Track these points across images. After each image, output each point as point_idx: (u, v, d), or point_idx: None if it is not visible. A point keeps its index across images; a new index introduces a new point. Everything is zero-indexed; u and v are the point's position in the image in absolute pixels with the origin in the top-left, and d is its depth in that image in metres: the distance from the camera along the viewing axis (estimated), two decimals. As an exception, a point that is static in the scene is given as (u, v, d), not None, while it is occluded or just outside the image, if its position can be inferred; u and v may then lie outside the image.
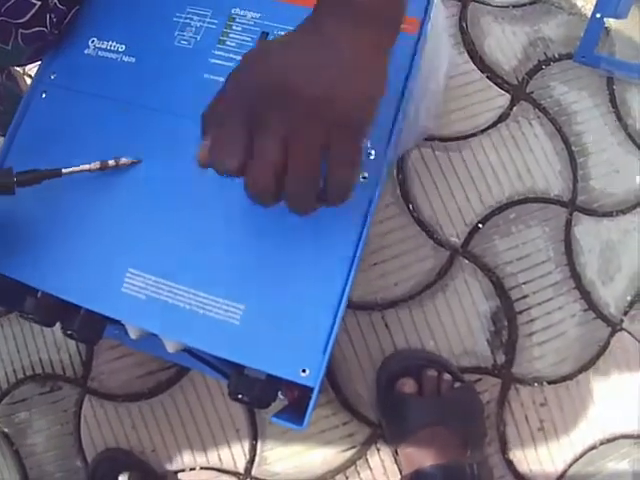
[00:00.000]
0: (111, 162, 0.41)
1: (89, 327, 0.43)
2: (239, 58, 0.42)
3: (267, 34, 0.44)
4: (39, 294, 0.42)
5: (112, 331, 0.48)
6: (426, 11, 0.44)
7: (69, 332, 0.43)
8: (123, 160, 0.41)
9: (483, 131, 0.64)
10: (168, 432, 0.62)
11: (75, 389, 0.65)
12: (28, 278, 0.40)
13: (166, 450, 0.62)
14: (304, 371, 0.37)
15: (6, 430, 0.66)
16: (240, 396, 0.39)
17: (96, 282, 0.40)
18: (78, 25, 0.46)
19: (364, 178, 0.40)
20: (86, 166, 0.40)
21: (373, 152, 0.40)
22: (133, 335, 0.44)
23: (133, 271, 0.40)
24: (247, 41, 0.44)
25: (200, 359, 0.47)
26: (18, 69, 0.63)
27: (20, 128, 0.44)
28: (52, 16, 0.42)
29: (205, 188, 0.40)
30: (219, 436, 0.61)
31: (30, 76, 0.75)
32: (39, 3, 0.40)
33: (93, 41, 0.46)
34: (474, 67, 0.66)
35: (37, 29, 0.42)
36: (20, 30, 0.42)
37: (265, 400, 0.40)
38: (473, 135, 0.64)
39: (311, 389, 0.36)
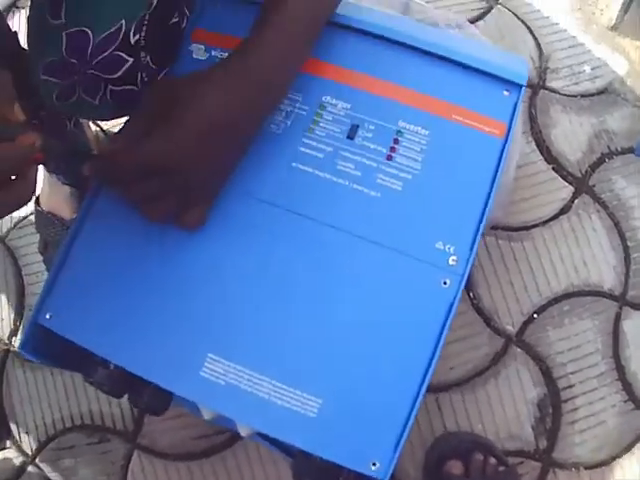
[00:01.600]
0: None
1: (157, 400, 0.44)
2: (328, 149, 0.45)
3: (357, 127, 0.44)
4: (112, 366, 0.42)
5: (181, 401, 0.48)
6: (513, 115, 0.45)
7: (136, 403, 0.44)
8: None
9: (545, 223, 0.66)
10: (217, 494, 0.64)
11: (124, 443, 0.66)
12: (104, 350, 0.41)
13: (213, 511, 0.64)
14: (374, 464, 0.38)
15: (49, 475, 0.67)
16: (304, 478, 0.41)
17: (175, 363, 0.40)
18: None
19: (445, 284, 0.41)
20: None
21: (455, 258, 0.41)
22: (207, 416, 0.45)
23: (213, 357, 0.40)
24: (336, 132, 0.44)
25: (267, 438, 0.48)
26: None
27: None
28: (143, 75, 0.42)
29: (290, 279, 0.41)
30: (267, 504, 0.63)
31: (96, 123, 0.74)
32: (131, 60, 0.40)
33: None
34: (541, 157, 0.68)
35: (127, 87, 0.42)
36: (110, 86, 0.41)
37: None
38: (535, 226, 0.66)
39: None
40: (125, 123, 0.41)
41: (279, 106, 0.44)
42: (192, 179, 0.38)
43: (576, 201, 0.67)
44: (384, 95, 0.45)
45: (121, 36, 0.38)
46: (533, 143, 0.68)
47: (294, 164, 0.43)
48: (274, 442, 0.50)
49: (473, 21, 0.71)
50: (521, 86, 0.45)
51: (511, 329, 0.65)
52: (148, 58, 0.42)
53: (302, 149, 0.43)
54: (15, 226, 0.72)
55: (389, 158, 0.43)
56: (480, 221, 0.42)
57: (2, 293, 0.71)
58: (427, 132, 0.44)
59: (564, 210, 0.67)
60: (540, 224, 0.66)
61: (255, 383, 0.39)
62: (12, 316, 0.70)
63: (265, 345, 0.40)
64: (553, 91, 0.71)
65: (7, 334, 0.70)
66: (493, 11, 0.74)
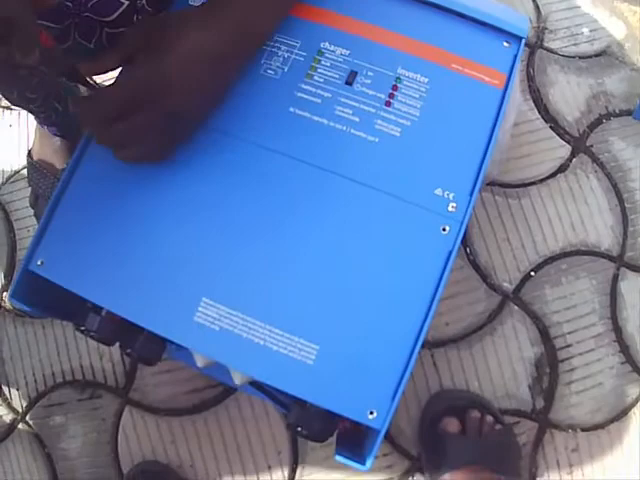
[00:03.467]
0: None
1: (150, 348, 0.43)
2: (326, 95, 0.44)
3: (356, 74, 0.44)
4: (103, 312, 0.41)
5: (173, 352, 0.48)
6: (512, 66, 0.44)
7: (127, 351, 0.43)
8: None
9: (542, 180, 0.66)
10: (208, 449, 0.63)
11: (116, 399, 0.65)
12: (97, 297, 0.40)
13: (204, 467, 0.63)
14: (372, 413, 0.37)
15: (39, 432, 0.66)
16: (299, 429, 0.40)
17: (168, 308, 0.39)
18: None
19: (444, 230, 0.41)
20: None
21: (454, 205, 0.41)
22: (200, 363, 0.44)
23: (207, 301, 0.39)
24: (334, 78, 0.43)
25: (261, 389, 0.47)
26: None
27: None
28: (139, 17, 0.42)
29: (287, 224, 0.40)
30: (259, 458, 0.62)
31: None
32: (127, 2, 0.40)
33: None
34: (538, 116, 0.67)
35: (123, 30, 0.41)
36: (105, 29, 0.41)
37: (324, 435, 0.41)
38: (533, 184, 0.66)
39: (377, 431, 0.37)
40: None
41: (277, 52, 0.43)
42: (175, 109, 0.38)
43: (574, 160, 0.67)
44: (383, 42, 0.44)
45: None
46: (531, 101, 0.68)
47: (292, 109, 0.43)
48: (267, 392, 0.49)
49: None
50: (521, 38, 0.45)
51: (508, 286, 0.64)
52: (144, 1, 0.42)
53: (300, 94, 0.43)
54: (7, 181, 0.72)
55: (388, 104, 0.43)
56: (479, 169, 0.42)
57: (-7, 248, 0.70)
58: (426, 80, 0.43)
59: (562, 169, 0.67)
60: (537, 182, 0.66)
61: (250, 329, 0.38)
62: (3, 271, 0.70)
63: (261, 290, 0.39)
64: (551, 51, 0.70)
65: (-3, 290, 0.70)
66: (492, -29, 0.73)
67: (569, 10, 0.72)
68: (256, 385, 0.46)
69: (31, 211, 0.68)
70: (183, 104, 0.38)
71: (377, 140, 0.42)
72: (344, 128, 0.42)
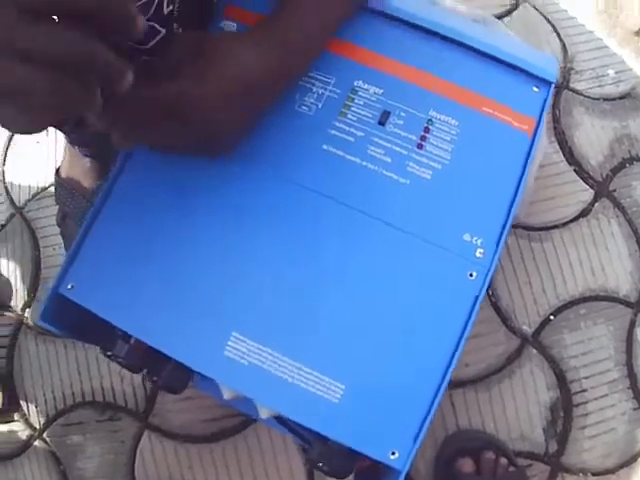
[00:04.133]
0: None
1: (176, 377, 0.44)
2: (359, 134, 0.45)
3: (389, 114, 0.44)
4: (132, 340, 0.42)
5: (198, 382, 0.48)
6: (541, 112, 0.45)
7: (154, 379, 0.43)
8: None
9: (565, 224, 0.67)
10: (225, 478, 0.63)
11: (135, 422, 0.65)
12: (127, 324, 0.40)
13: (220, 495, 0.63)
14: (393, 453, 0.37)
15: (56, 450, 0.67)
16: (320, 465, 0.41)
17: (198, 341, 0.40)
18: None
19: (471, 275, 0.41)
20: None
21: (482, 251, 0.41)
22: (227, 396, 0.45)
23: (237, 335, 0.40)
24: (368, 117, 0.44)
25: (284, 423, 0.48)
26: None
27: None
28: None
29: (317, 261, 0.41)
30: (275, 489, 0.63)
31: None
32: (164, 31, 0.40)
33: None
34: (563, 159, 0.68)
35: None
36: (143, 57, 0.41)
37: (344, 471, 0.41)
38: (555, 227, 0.66)
39: (398, 471, 0.37)
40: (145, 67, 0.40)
41: (311, 88, 0.44)
42: (206, 129, 0.37)
43: (596, 205, 0.68)
44: (416, 83, 0.44)
45: (154, 6, 0.38)
46: (556, 144, 0.68)
47: (325, 146, 0.43)
48: (290, 427, 0.49)
49: (499, 17, 0.72)
50: (551, 83, 0.45)
51: (527, 329, 0.65)
52: (180, 30, 0.42)
53: (333, 132, 0.43)
54: (33, 197, 0.72)
55: (419, 147, 0.43)
56: (507, 215, 0.42)
57: (17, 265, 0.71)
58: (457, 123, 0.43)
59: (584, 213, 0.67)
60: (560, 225, 0.67)
61: (279, 365, 0.39)
62: (27, 288, 0.70)
63: (290, 327, 0.40)
64: (577, 92, 0.71)
65: (21, 306, 0.70)
66: (520, 8, 0.74)
67: (596, 50, 0.73)
68: (279, 419, 0.47)
69: (57, 229, 0.68)
70: (211, 128, 0.38)
71: (408, 182, 0.42)
72: (376, 168, 0.42)
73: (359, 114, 0.44)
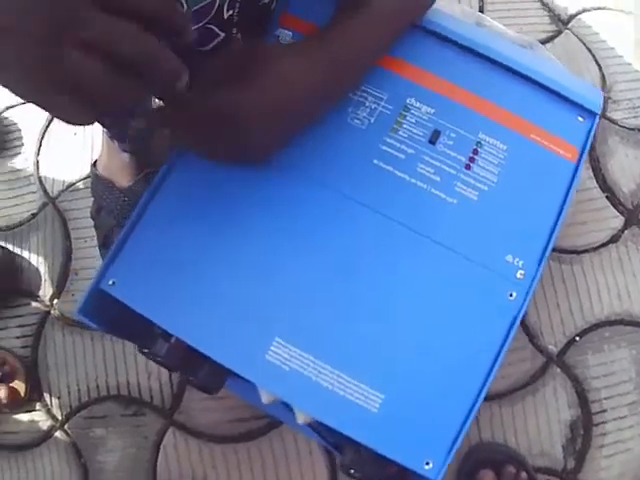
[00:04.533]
0: None
1: (213, 378, 0.44)
2: (410, 151, 0.45)
3: (439, 133, 0.45)
4: (172, 339, 0.42)
5: (232, 384, 0.48)
6: (586, 142, 0.46)
7: (190, 379, 0.43)
8: None
9: (595, 249, 0.68)
10: (248, 479, 0.64)
11: (160, 418, 0.66)
12: (169, 324, 0.40)
13: (242, 495, 0.64)
14: (427, 463, 0.38)
15: (77, 442, 0.67)
16: (352, 471, 0.41)
17: (241, 344, 0.40)
18: None
19: (511, 296, 0.42)
20: None
21: (523, 272, 0.42)
22: (265, 400, 0.45)
23: (280, 341, 0.40)
24: (419, 135, 0.44)
25: (316, 428, 0.48)
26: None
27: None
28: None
29: (361, 273, 0.41)
30: (298, 492, 0.63)
31: (163, 95, 0.74)
32: (223, 35, 0.40)
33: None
34: (596, 185, 0.70)
35: None
36: (201, 58, 0.41)
37: (375, 478, 0.42)
38: (585, 251, 0.68)
39: None
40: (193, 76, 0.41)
41: (364, 102, 0.44)
42: (252, 138, 0.38)
43: (626, 232, 0.69)
44: (467, 105, 0.45)
45: (215, 9, 0.38)
46: (590, 170, 0.70)
47: (376, 161, 0.43)
48: (323, 433, 0.50)
49: (542, 43, 0.73)
50: (596, 114, 0.46)
51: (553, 349, 0.66)
52: (239, 35, 0.42)
53: (384, 148, 0.44)
54: (67, 188, 0.72)
55: (468, 167, 0.44)
56: (549, 239, 0.43)
57: (47, 254, 0.70)
58: (505, 147, 0.44)
59: (614, 239, 0.69)
60: (590, 250, 0.68)
61: (320, 372, 0.39)
62: (56, 278, 0.70)
63: (332, 335, 0.40)
64: (612, 122, 0.73)
65: (49, 296, 0.70)
66: (562, 35, 0.76)
67: (633, 82, 0.74)
68: (314, 425, 0.47)
69: (89, 221, 0.68)
70: (258, 137, 0.38)
71: (455, 202, 0.43)
72: (425, 186, 0.43)
73: (410, 131, 0.44)
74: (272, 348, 0.40)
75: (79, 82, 0.25)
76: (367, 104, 0.45)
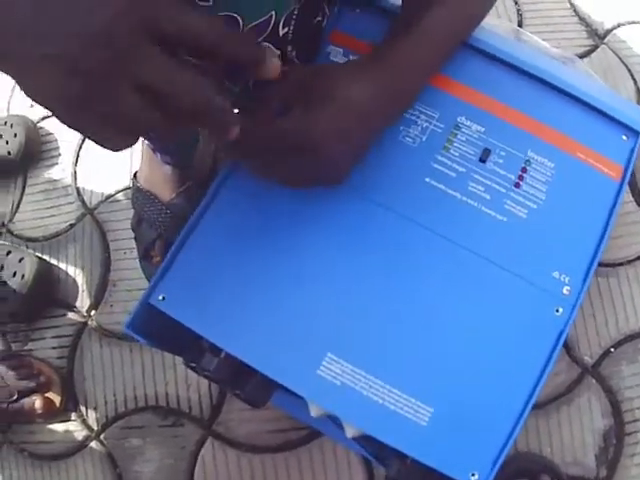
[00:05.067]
0: None
1: (260, 392, 0.45)
2: (461, 169, 0.46)
3: (490, 152, 0.45)
4: (222, 354, 0.43)
5: (278, 398, 0.49)
6: (629, 160, 0.46)
7: (237, 392, 0.44)
8: None
9: (630, 262, 0.69)
10: (287, 489, 0.64)
11: (198, 429, 0.66)
12: (219, 339, 0.40)
13: (280, 507, 0.64)
14: (473, 475, 0.39)
15: (112, 452, 0.67)
16: None
17: (292, 359, 0.41)
18: None
19: (557, 311, 0.43)
20: None
21: (569, 288, 0.43)
22: (314, 414, 0.46)
23: (332, 356, 0.41)
24: (470, 154, 0.45)
25: (363, 442, 0.49)
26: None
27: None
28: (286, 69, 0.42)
29: (412, 289, 0.42)
30: (336, 503, 0.64)
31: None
32: (278, 52, 0.41)
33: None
34: (632, 199, 0.70)
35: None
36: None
37: None
38: (621, 264, 0.69)
39: None
40: (258, 103, 0.41)
41: (416, 120, 0.45)
42: (324, 162, 0.38)
43: (662, 256, 0.70)
44: (515, 124, 0.46)
45: (271, 27, 0.38)
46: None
47: (427, 179, 0.44)
48: (369, 446, 0.50)
49: (579, 57, 0.73)
50: (639, 133, 0.47)
51: (589, 360, 0.67)
52: (294, 53, 0.43)
53: (436, 166, 0.44)
54: (106, 199, 0.72)
55: (517, 186, 0.44)
56: (595, 256, 0.44)
57: (86, 266, 0.71)
58: (553, 165, 0.45)
59: (648, 262, 0.70)
60: (625, 263, 0.69)
61: (371, 387, 0.40)
62: (94, 290, 0.70)
63: (383, 350, 0.41)
64: (646, 135, 0.73)
65: (86, 307, 0.70)
66: (598, 50, 0.76)
67: (667, 98, 0.75)
68: (361, 438, 0.48)
69: (129, 233, 0.68)
70: (329, 160, 0.38)
71: (505, 220, 0.44)
72: (475, 204, 0.44)
73: (461, 150, 0.45)
74: (324, 363, 0.40)
75: (128, 120, 0.25)
76: (419, 122, 0.45)
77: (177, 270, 0.42)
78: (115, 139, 0.27)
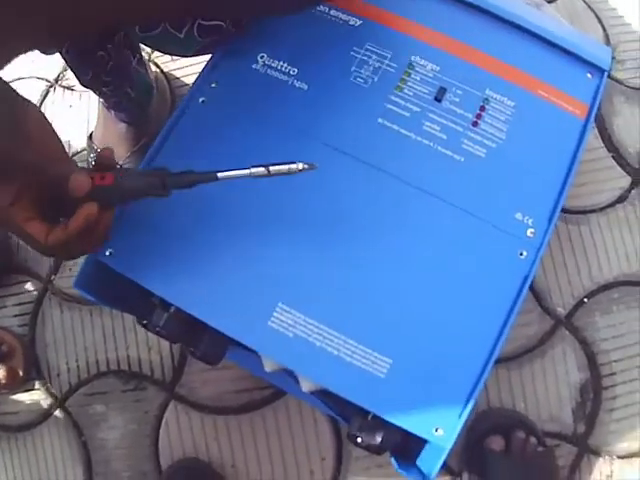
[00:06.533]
0: (282, 167, 0.35)
1: (214, 349, 0.43)
2: (415, 109, 0.44)
3: (445, 90, 0.44)
4: (171, 309, 0.41)
5: (233, 353, 0.47)
6: (594, 98, 0.45)
7: (190, 350, 0.42)
8: (295, 166, 0.35)
9: (602, 209, 0.67)
10: (251, 450, 0.63)
11: (161, 392, 0.64)
12: (168, 293, 0.39)
13: (246, 468, 0.63)
14: (437, 430, 0.37)
15: (77, 419, 0.66)
16: (359, 440, 0.40)
17: (243, 311, 0.39)
18: (249, 37, 0.44)
19: (521, 255, 0.41)
20: (246, 171, 0.35)
21: (533, 230, 0.41)
22: (268, 368, 0.44)
23: (283, 307, 0.39)
24: (424, 93, 0.43)
25: (322, 397, 0.47)
26: (145, 55, 0.62)
27: (174, 131, 0.42)
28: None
29: (366, 234, 0.40)
30: (303, 463, 0.62)
31: (156, 64, 0.73)
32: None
33: (263, 57, 0.44)
34: (602, 144, 0.68)
35: (216, 22, 0.41)
36: (199, 20, 0.40)
37: (383, 447, 0.41)
38: (592, 212, 0.67)
39: (442, 449, 0.37)
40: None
41: (367, 61, 0.43)
42: None
43: (633, 191, 0.68)
44: (473, 62, 0.45)
45: None
46: (596, 130, 0.68)
47: (380, 120, 0.43)
48: (329, 402, 0.49)
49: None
50: (604, 71, 0.45)
51: (561, 311, 0.65)
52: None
53: (389, 106, 0.43)
54: (64, 164, 0.70)
55: (475, 124, 0.43)
56: (559, 197, 0.42)
57: (44, 230, 0.69)
58: (513, 103, 0.44)
59: (621, 199, 0.67)
60: (597, 210, 0.67)
61: (325, 338, 0.38)
62: (53, 254, 0.69)
63: (337, 300, 0.39)
64: (617, 81, 0.71)
65: (46, 271, 0.69)
66: (564, -5, 0.74)
67: (638, 42, 0.73)
68: (319, 394, 0.46)
69: (86, 196, 0.67)
70: None
71: (462, 159, 0.42)
72: (431, 144, 0.42)
73: (416, 89, 0.43)
74: (275, 314, 0.39)
75: None
76: (370, 63, 0.44)
77: (124, 224, 0.41)
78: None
